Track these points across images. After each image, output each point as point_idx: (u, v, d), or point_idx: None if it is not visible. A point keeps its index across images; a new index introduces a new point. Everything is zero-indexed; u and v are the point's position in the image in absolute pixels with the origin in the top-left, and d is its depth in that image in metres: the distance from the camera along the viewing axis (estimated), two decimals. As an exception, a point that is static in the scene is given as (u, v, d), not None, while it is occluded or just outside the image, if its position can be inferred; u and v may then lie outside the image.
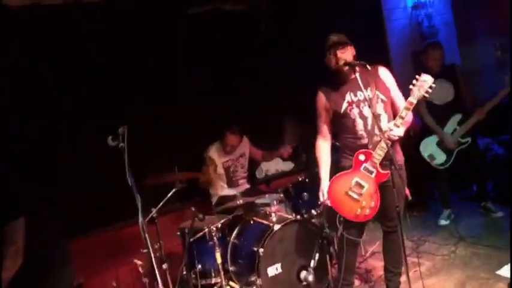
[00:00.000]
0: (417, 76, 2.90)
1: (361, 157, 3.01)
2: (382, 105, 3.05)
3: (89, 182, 4.00)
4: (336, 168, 3.20)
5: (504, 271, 3.45)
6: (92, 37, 4.16)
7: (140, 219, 2.21)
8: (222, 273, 3.54)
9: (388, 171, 2.94)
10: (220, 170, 4.48)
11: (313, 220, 3.79)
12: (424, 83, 2.86)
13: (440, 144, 4.54)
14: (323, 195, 3.11)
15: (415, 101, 2.87)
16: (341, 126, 3.14)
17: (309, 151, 4.31)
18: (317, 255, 3.52)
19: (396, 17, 6.25)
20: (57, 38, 4.01)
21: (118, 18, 4.33)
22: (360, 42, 3.14)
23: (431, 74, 2.90)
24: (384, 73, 3.13)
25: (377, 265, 3.90)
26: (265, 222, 3.73)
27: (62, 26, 4.04)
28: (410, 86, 2.89)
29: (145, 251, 2.20)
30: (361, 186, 2.99)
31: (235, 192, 4.33)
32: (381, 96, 3.04)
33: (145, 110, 4.36)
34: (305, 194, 3.97)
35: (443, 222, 4.69)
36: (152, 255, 2.12)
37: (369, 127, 3.04)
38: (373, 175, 2.98)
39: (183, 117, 4.53)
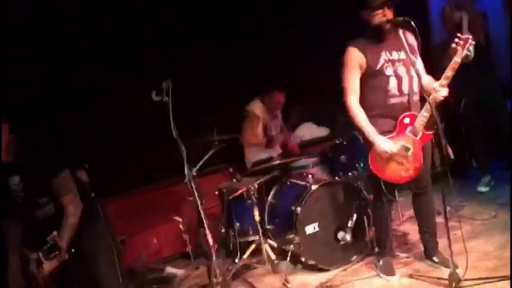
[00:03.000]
0: (459, 34, 2.83)
1: (406, 120, 3.00)
2: (414, 67, 3.01)
3: (131, 141, 4.11)
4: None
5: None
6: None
7: (186, 169, 2.27)
8: (260, 231, 3.61)
9: (432, 131, 2.96)
10: (260, 128, 4.52)
11: (350, 182, 3.80)
12: (466, 41, 2.80)
13: None
14: (388, 146, 2.96)
15: (459, 60, 2.82)
16: (373, 84, 3.07)
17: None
18: (355, 216, 3.56)
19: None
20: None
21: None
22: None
23: None
24: (409, 36, 3.09)
25: (414, 228, 3.87)
26: (302, 182, 3.77)
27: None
28: (453, 45, 2.82)
29: (190, 198, 2.26)
30: (407, 149, 2.99)
31: (270, 154, 4.34)
32: (413, 58, 3.01)
33: (188, 67, 4.39)
34: (342, 156, 3.98)
35: (482, 189, 4.60)
36: (199, 202, 2.18)
37: (403, 87, 3.03)
38: (419, 137, 2.98)
39: (225, 76, 4.57)
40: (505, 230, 3.61)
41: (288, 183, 3.90)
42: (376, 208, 3.31)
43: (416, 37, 3.02)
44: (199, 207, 2.18)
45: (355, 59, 3.05)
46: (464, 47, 2.79)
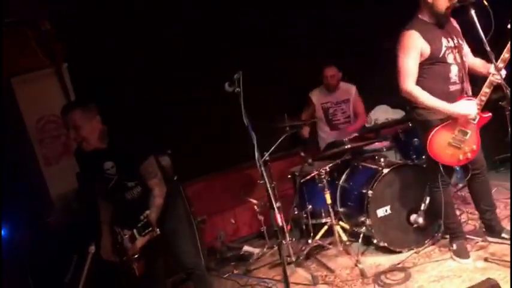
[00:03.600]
0: None
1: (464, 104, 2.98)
2: (464, 53, 3.05)
3: (209, 128, 4.37)
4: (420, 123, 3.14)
5: None
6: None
7: (256, 154, 2.42)
8: (332, 213, 3.71)
9: (490, 114, 2.99)
10: (319, 112, 4.60)
11: (423, 165, 3.76)
12: None
13: None
14: (472, 109, 2.93)
15: None
16: (433, 71, 3.01)
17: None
18: (427, 199, 3.54)
19: None
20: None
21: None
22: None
23: None
24: (454, 21, 3.07)
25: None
26: (373, 166, 3.80)
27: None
28: (509, 26, 2.74)
29: (261, 182, 2.41)
30: (465, 133, 2.99)
31: (338, 137, 4.39)
32: (463, 43, 3.06)
33: (258, 58, 4.54)
34: (415, 139, 3.94)
35: None
36: (268, 185, 2.33)
37: (461, 74, 3.02)
38: (476, 120, 2.97)
39: (294, 65, 4.66)
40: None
41: (360, 166, 3.94)
42: (435, 193, 3.26)
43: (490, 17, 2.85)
44: (269, 190, 2.32)
45: (416, 43, 2.97)
46: None
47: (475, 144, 3.04)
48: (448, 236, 3.41)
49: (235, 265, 4.07)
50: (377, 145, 4.24)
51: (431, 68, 3.02)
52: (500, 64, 2.83)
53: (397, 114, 5.11)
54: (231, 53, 4.37)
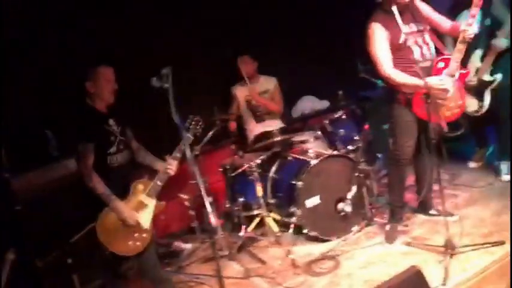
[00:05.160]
0: None
1: (441, 64, 3.18)
2: (428, 34, 3.26)
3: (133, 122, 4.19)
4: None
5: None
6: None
7: (188, 154, 2.37)
8: (263, 205, 3.74)
9: (468, 70, 3.29)
10: (243, 105, 4.59)
11: (349, 155, 3.89)
12: None
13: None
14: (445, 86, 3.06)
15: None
16: (397, 56, 3.20)
17: (344, 87, 4.38)
18: (354, 187, 3.68)
19: None
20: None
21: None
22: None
23: None
24: (419, 3, 3.29)
25: (411, 197, 3.97)
26: (302, 157, 3.86)
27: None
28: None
29: (193, 182, 2.36)
30: (446, 91, 3.13)
31: (267, 128, 4.38)
32: (428, 26, 3.26)
33: (186, 52, 4.43)
34: (341, 130, 4.06)
35: (473, 164, 4.53)
36: (201, 184, 2.28)
37: (425, 53, 3.23)
38: (456, 76, 3.16)
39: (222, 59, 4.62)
40: (502, 196, 3.72)
41: (289, 158, 3.99)
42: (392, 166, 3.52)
43: None
44: (202, 192, 2.28)
45: (380, 33, 3.18)
46: None
47: (459, 99, 3.24)
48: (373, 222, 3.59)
49: (167, 262, 3.98)
50: (305, 136, 4.31)
51: (396, 54, 3.20)
52: (470, 20, 3.00)
53: (324, 104, 5.26)
54: (156, 48, 4.22)
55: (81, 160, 2.81)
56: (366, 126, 3.94)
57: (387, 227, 3.53)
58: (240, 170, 3.84)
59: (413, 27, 3.22)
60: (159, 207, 3.00)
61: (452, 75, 3.14)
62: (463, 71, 3.24)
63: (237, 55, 4.50)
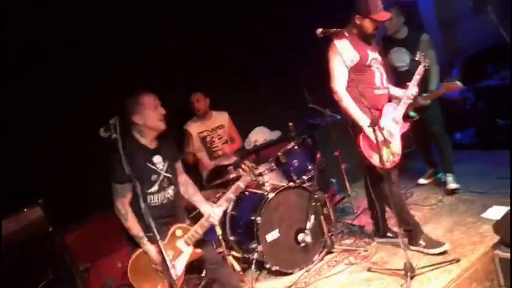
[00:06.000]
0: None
1: (389, 109, 3.36)
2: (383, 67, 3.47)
3: (84, 171, 4.06)
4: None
5: (488, 213, 3.66)
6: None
7: (142, 205, 2.31)
8: (223, 243, 3.67)
9: (409, 124, 3.46)
10: (197, 142, 4.56)
11: (305, 185, 3.92)
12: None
13: None
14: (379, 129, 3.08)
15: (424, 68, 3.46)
16: (361, 77, 3.29)
17: (295, 118, 4.43)
18: (312, 217, 3.71)
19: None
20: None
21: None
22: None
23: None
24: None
25: (368, 221, 4.05)
26: (259, 191, 3.87)
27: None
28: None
29: (150, 234, 2.31)
30: (391, 135, 3.30)
31: (221, 163, 4.40)
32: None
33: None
34: (295, 160, 4.09)
35: (422, 181, 4.77)
36: (157, 235, 2.24)
37: (383, 81, 3.41)
38: (400, 124, 3.34)
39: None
40: (452, 213, 3.88)
41: (246, 193, 3.98)
42: (380, 195, 3.52)
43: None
44: (160, 245, 2.24)
45: (347, 50, 3.23)
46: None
47: (400, 148, 3.35)
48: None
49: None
50: (260, 168, 4.31)
51: (359, 75, 3.29)
52: (414, 81, 3.40)
53: (275, 134, 5.30)
54: (102, 92, 4.12)
55: (117, 199, 2.77)
56: (318, 156, 4.00)
57: (422, 243, 3.35)
58: (196, 212, 3.77)
59: (374, 54, 3.38)
60: (195, 255, 2.94)
61: (397, 122, 3.35)
62: (405, 123, 3.42)
63: (190, 92, 4.50)
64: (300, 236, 3.69)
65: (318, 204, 3.78)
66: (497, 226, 3.17)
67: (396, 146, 3.34)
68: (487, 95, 5.71)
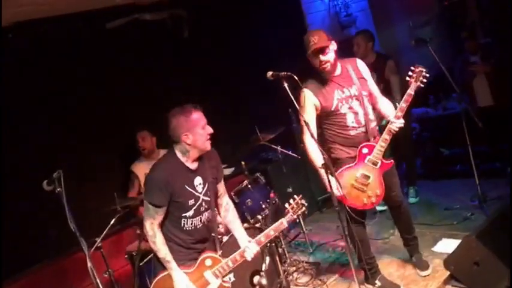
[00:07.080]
0: (412, 68, 3.12)
1: (365, 150, 3.17)
2: (366, 98, 3.23)
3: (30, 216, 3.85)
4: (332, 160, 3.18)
5: (438, 247, 3.74)
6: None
7: (89, 264, 2.20)
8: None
9: (392, 161, 3.23)
10: (137, 186, 4.39)
11: (258, 225, 3.88)
12: (420, 73, 3.09)
13: None
14: (338, 189, 2.94)
15: (413, 93, 3.10)
16: (331, 121, 3.22)
17: (246, 157, 4.42)
18: (267, 258, 3.64)
19: (315, 10, 6.44)
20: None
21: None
22: (282, 37, 3.25)
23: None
24: (361, 65, 3.33)
25: (324, 257, 4.04)
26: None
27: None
28: (407, 78, 3.13)
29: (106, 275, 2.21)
30: (367, 177, 3.15)
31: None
32: (364, 91, 3.21)
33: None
34: (248, 200, 4.05)
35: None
36: (98, 281, 2.15)
37: (360, 119, 3.19)
38: (378, 166, 3.16)
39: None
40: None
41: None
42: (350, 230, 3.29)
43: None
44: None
45: (309, 101, 3.17)
46: (417, 80, 3.09)
47: (378, 189, 3.16)
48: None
49: None
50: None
51: (329, 119, 3.22)
52: (399, 113, 3.09)
53: (228, 170, 5.24)
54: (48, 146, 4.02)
55: (147, 219, 2.63)
56: (272, 195, 3.98)
57: (378, 283, 3.41)
58: (148, 258, 3.63)
59: (346, 92, 3.17)
60: None
61: (375, 164, 3.15)
62: (387, 162, 3.19)
63: (135, 131, 4.37)
64: (256, 279, 3.60)
65: (273, 244, 3.73)
66: (448, 262, 3.25)
67: (374, 186, 3.17)
68: (430, 125, 5.97)
